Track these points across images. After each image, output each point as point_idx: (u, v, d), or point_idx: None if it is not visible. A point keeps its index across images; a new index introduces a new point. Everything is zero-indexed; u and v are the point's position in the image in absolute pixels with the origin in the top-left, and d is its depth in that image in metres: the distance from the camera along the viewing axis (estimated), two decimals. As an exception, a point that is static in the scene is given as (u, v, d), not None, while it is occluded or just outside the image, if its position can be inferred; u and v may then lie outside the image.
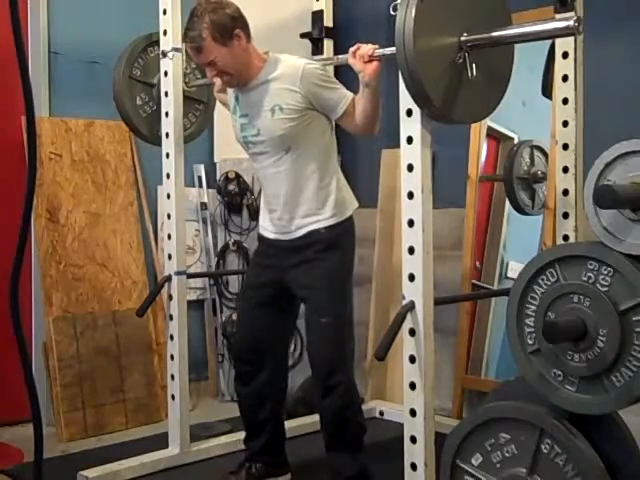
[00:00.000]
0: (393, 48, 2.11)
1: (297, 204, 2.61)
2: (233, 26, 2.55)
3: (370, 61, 2.40)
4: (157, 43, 3.10)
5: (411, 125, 2.19)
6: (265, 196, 2.74)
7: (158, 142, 3.13)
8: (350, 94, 2.57)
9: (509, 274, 3.45)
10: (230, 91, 2.76)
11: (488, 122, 3.51)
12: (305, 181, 2.60)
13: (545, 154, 3.31)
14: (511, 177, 3.34)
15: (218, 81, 2.67)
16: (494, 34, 2.11)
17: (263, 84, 2.61)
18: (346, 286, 2.68)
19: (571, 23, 1.99)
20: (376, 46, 2.42)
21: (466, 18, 2.10)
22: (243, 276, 4.13)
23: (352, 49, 2.43)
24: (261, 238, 2.81)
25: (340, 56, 2.37)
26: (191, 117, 3.29)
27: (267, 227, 2.75)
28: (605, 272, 1.78)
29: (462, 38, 2.08)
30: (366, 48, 2.41)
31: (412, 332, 2.20)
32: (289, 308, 2.79)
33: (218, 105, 3.36)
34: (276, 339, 2.80)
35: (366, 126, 2.55)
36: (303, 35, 3.77)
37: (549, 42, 2.99)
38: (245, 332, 2.81)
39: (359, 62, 2.41)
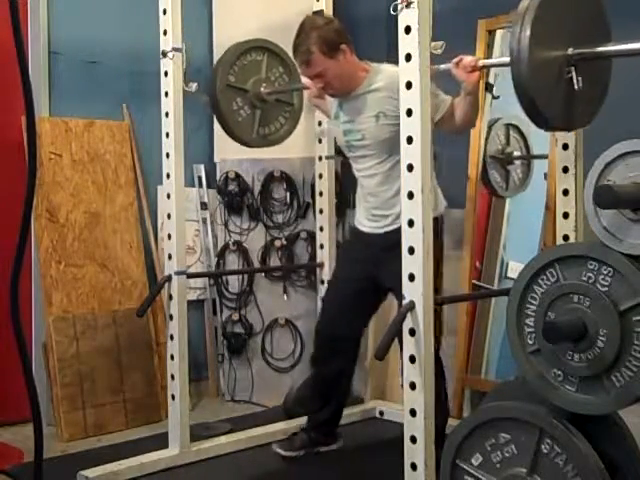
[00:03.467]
0: (495, 59, 2.46)
1: (395, 202, 2.73)
2: (339, 41, 2.78)
3: (472, 71, 2.52)
4: (250, 51, 3.24)
5: (411, 125, 2.19)
6: (364, 194, 2.92)
7: (255, 144, 3.29)
8: (448, 98, 2.70)
9: (509, 274, 3.45)
10: (332, 99, 2.97)
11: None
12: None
13: (522, 135, 3.29)
14: (485, 155, 3.35)
15: (313, 88, 2.97)
16: (600, 49, 2.13)
17: (367, 92, 2.82)
18: None
19: None
20: (478, 57, 2.62)
21: (571, 33, 2.13)
22: (243, 276, 4.14)
23: (455, 60, 2.53)
24: (355, 232, 3.02)
25: (441, 66, 2.47)
26: (281, 119, 3.39)
27: (363, 222, 2.94)
28: (605, 272, 1.78)
29: (569, 52, 2.11)
30: (468, 59, 2.53)
31: (412, 332, 2.20)
32: (371, 305, 3.02)
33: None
34: (354, 332, 3.02)
35: (465, 126, 2.76)
36: (303, 35, 3.78)
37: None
38: (328, 321, 3.03)
39: (462, 72, 2.53)
